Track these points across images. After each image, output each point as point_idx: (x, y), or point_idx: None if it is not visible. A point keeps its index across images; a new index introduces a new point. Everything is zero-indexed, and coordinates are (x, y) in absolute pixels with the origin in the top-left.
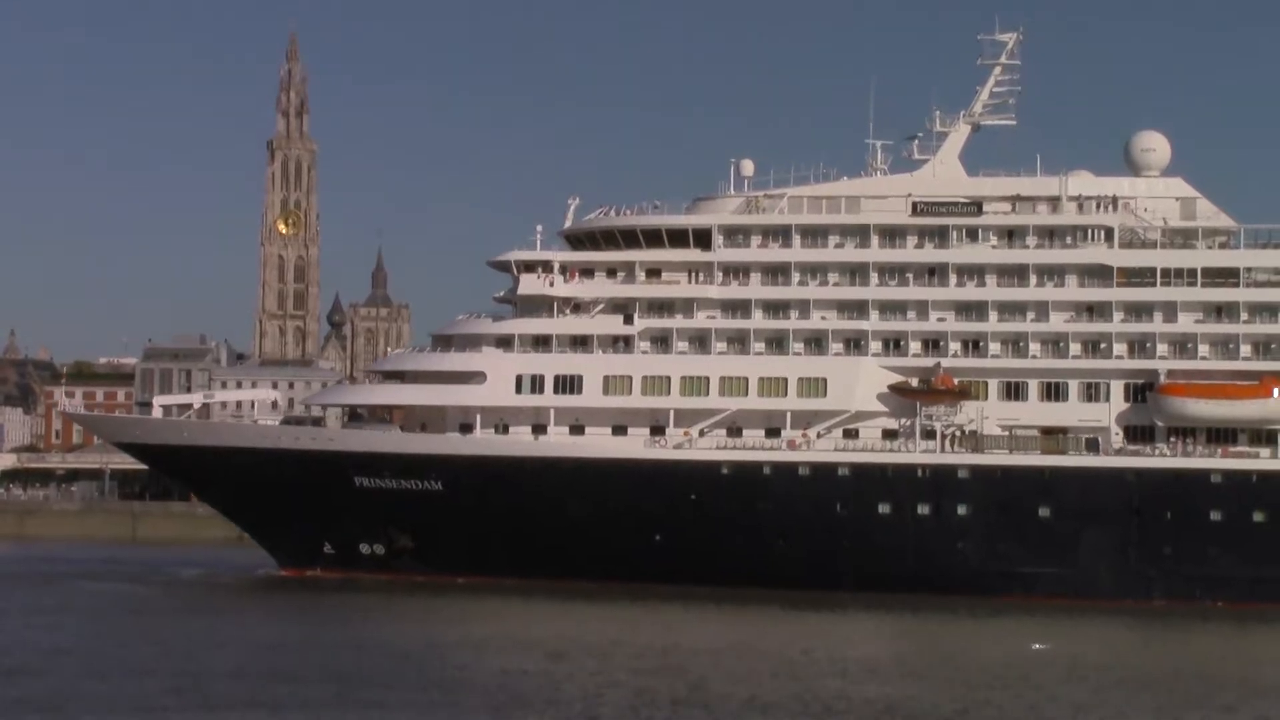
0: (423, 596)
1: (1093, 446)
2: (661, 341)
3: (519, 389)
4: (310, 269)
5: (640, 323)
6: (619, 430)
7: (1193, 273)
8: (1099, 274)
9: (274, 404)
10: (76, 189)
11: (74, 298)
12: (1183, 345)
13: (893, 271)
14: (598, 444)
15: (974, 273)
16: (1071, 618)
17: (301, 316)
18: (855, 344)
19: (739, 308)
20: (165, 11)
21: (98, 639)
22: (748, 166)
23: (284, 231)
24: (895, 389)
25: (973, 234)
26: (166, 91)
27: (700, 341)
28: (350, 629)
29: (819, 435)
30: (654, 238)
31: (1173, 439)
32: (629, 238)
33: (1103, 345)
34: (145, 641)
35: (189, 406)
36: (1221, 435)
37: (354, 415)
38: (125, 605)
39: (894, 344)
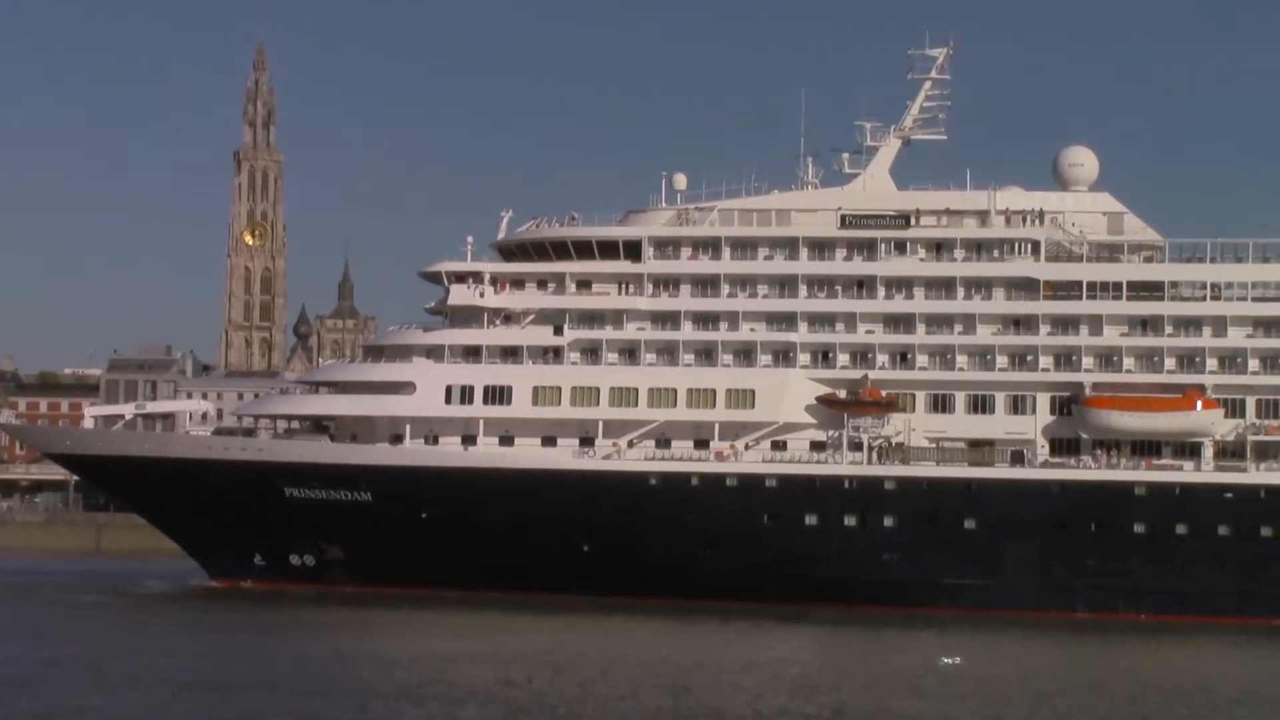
0: (384, 609)
1: (1018, 459)
2: (591, 353)
3: (448, 399)
4: (277, 280)
5: (570, 334)
6: (548, 441)
7: (1118, 286)
8: (1025, 287)
9: (204, 415)
10: (41, 199)
11: (39, 308)
12: (1108, 358)
13: (821, 284)
14: (527, 455)
15: (902, 285)
16: (994, 629)
17: (268, 328)
18: (784, 356)
19: (668, 319)
20: (131, 21)
21: (93, 651)
22: (680, 180)
23: (250, 243)
24: (823, 400)
25: (901, 247)
26: (133, 101)
27: (630, 353)
28: (332, 642)
29: (747, 446)
30: (584, 249)
31: (1098, 451)
32: (560, 249)
33: (1029, 358)
34: (144, 652)
35: (120, 417)
36: (1146, 448)
37: (319, 427)
38: (113, 617)
39: (822, 356)
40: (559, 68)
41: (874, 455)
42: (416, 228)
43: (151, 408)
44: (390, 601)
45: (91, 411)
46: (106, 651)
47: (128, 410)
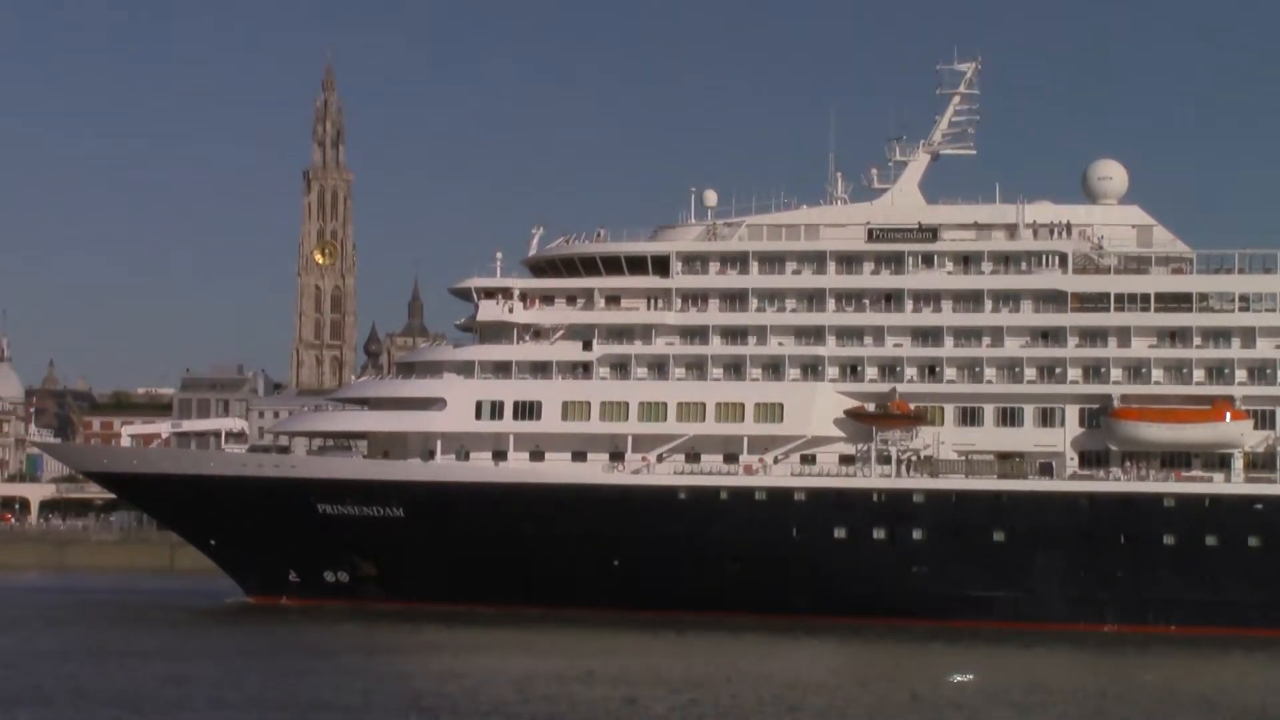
0: (459, 628)
1: (1047, 471)
2: (620, 368)
3: (479, 415)
4: (346, 299)
5: (599, 349)
6: (578, 456)
7: (1146, 298)
8: (1054, 299)
9: (225, 434)
10: (114, 220)
11: (112, 328)
12: (1136, 370)
13: (849, 297)
14: (557, 469)
15: (930, 298)
16: (1021, 643)
17: (338, 346)
18: (812, 369)
19: (697, 334)
20: (202, 42)
21: (215, 671)
22: (710, 197)
23: (320, 261)
24: (851, 414)
25: (928, 260)
26: (203, 122)
27: (659, 367)
28: (430, 662)
29: (776, 460)
30: (613, 265)
31: (1127, 463)
32: (589, 265)
33: (1057, 370)
34: (265, 672)
35: (157, 435)
36: (1175, 459)
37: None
38: (211, 635)
39: (850, 369)
40: (598, 86)
41: (902, 468)
42: (486, 245)
43: (187, 426)
44: (456, 619)
45: (129, 430)
46: (221, 671)
47: (164, 429)
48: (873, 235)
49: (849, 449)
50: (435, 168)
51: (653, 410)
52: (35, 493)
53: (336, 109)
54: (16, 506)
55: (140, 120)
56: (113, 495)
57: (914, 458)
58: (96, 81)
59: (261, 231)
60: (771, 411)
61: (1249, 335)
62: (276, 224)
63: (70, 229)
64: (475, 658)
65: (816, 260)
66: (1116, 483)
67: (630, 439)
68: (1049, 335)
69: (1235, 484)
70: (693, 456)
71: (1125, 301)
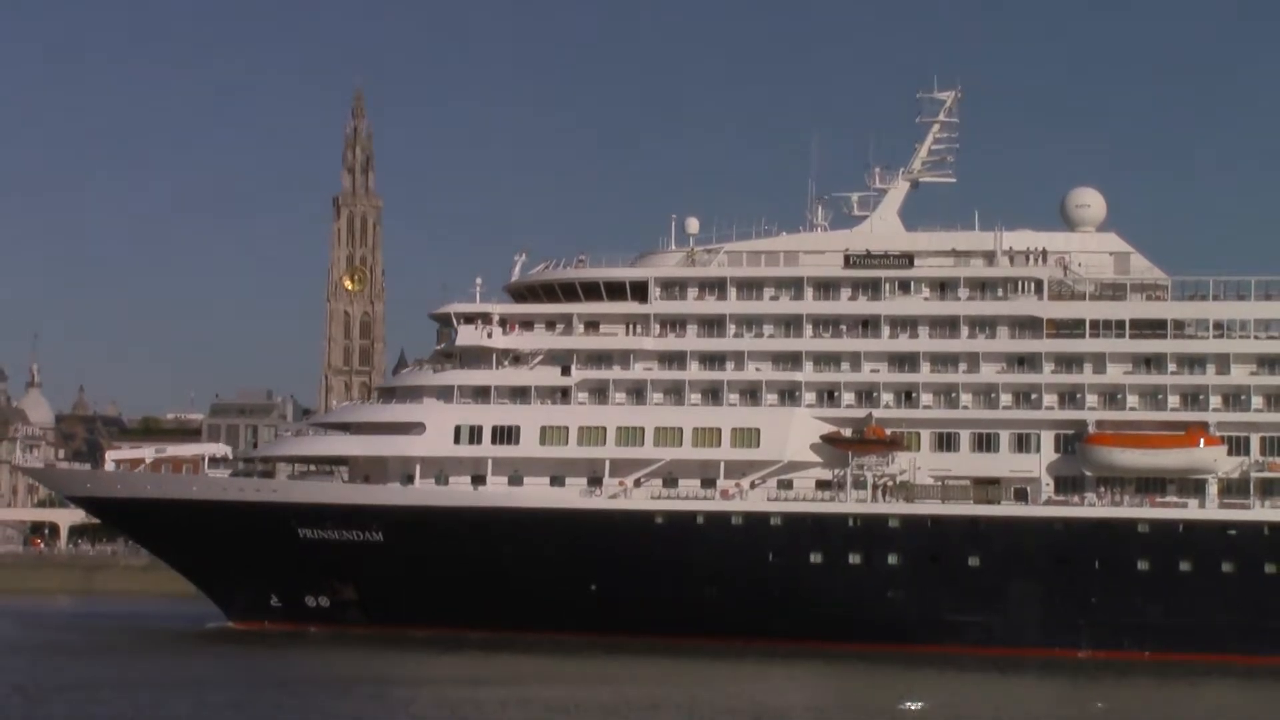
0: (490, 655)
1: (1023, 496)
2: (599, 393)
3: (457, 439)
4: (375, 325)
5: (578, 374)
6: (557, 480)
7: (1121, 324)
8: (1029, 326)
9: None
10: (143, 246)
11: (142, 354)
12: (1111, 396)
13: (826, 323)
14: (535, 494)
15: (906, 324)
16: (987, 669)
17: (367, 372)
18: (789, 395)
19: (675, 359)
20: (230, 69)
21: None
22: (693, 224)
23: (350, 288)
24: (828, 439)
25: (905, 286)
26: (232, 148)
27: (637, 393)
28: (491, 693)
29: (753, 485)
30: (592, 290)
31: (1102, 489)
32: (568, 291)
33: (1033, 396)
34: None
35: (141, 460)
36: (1150, 485)
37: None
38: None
39: (827, 395)
40: (598, 118)
41: (878, 493)
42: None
43: (171, 450)
44: (463, 645)
45: (113, 455)
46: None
47: (148, 453)
48: (850, 261)
49: (825, 474)
50: (463, 194)
51: (630, 435)
52: (64, 518)
53: (366, 135)
54: (46, 531)
55: (168, 146)
56: None
57: (890, 483)
58: (121, 111)
59: (291, 257)
60: (748, 436)
61: (1223, 361)
62: (306, 250)
63: (101, 254)
64: (517, 687)
65: (794, 286)
66: (1091, 508)
67: (608, 463)
68: (1025, 361)
69: (1209, 510)
70: (670, 481)
71: (1101, 328)
